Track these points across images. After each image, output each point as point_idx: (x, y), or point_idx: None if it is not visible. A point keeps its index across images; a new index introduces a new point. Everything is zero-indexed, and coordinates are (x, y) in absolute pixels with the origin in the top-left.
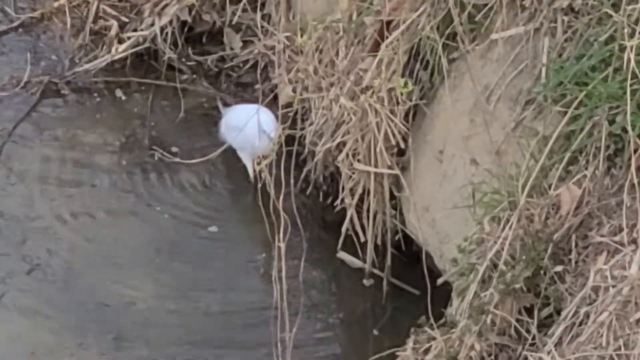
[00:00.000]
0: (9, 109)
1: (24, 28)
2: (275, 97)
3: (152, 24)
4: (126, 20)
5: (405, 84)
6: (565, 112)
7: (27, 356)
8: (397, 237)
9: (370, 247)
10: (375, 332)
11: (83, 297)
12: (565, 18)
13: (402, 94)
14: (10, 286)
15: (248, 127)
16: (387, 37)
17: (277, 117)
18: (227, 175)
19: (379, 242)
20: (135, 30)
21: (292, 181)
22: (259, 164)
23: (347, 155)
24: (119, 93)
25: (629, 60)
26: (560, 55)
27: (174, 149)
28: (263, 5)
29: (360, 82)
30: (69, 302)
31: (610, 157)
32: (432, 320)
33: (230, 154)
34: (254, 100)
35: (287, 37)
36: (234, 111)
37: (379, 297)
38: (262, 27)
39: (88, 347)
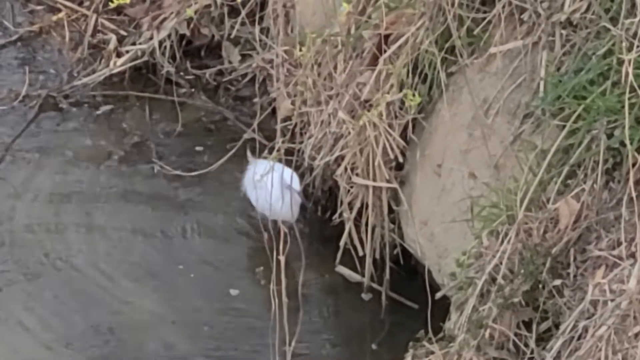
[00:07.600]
0: (7, 123)
1: (23, 42)
2: (274, 111)
3: (151, 38)
4: (125, 34)
5: (414, 96)
6: (564, 126)
7: None
8: (395, 251)
9: (368, 261)
10: (374, 346)
11: (78, 315)
12: (564, 32)
13: (401, 108)
14: (5, 296)
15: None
16: (385, 51)
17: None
18: (222, 188)
19: (377, 256)
20: (133, 44)
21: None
22: None
23: (346, 169)
24: (117, 107)
25: (627, 73)
26: (558, 69)
27: (198, 148)
28: (261, 18)
29: (358, 95)
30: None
31: (609, 170)
32: (430, 335)
33: (224, 169)
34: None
35: (285, 51)
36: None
37: (378, 311)
38: (260, 40)
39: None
